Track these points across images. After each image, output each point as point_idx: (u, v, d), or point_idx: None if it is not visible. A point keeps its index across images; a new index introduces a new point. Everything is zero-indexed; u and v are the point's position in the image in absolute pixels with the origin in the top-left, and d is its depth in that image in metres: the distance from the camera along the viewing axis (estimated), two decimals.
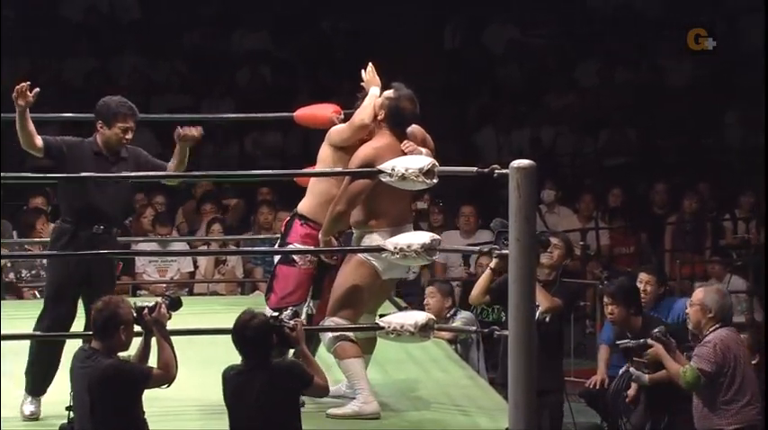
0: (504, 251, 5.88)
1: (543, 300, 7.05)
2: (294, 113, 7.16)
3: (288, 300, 6.09)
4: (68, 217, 6.07)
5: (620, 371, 7.12)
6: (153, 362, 5.39)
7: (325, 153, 6.23)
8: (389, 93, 6.16)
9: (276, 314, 5.48)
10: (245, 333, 5.29)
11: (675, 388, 6.72)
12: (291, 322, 5.42)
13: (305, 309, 6.16)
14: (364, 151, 6.06)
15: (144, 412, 5.26)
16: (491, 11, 14.46)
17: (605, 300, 7.27)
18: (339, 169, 6.19)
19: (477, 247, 6.67)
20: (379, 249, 5.97)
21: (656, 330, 6.74)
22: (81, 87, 13.25)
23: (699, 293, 6.65)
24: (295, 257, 6.12)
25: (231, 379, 5.29)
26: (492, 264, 7.31)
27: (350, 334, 6.08)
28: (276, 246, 6.31)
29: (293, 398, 5.32)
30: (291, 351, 5.54)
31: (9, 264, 9.23)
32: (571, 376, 9.35)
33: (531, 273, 5.69)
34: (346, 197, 6.03)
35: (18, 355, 6.28)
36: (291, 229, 6.17)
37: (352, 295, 6.07)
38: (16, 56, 13.20)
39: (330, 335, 6.07)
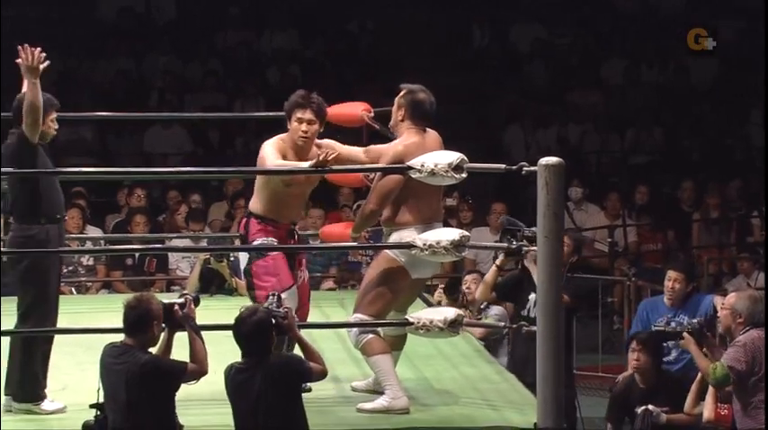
0: (533, 248, 5.95)
1: None
2: None
3: (279, 288, 6.04)
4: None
5: (639, 411, 7.03)
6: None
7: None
8: (401, 93, 6.20)
9: (266, 305, 5.50)
10: (242, 329, 5.32)
11: None
12: (282, 310, 5.45)
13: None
14: (393, 149, 6.10)
15: (176, 407, 5.31)
16: (518, 10, 14.51)
17: (633, 345, 7.19)
18: (370, 165, 6.27)
19: (506, 244, 6.71)
20: (408, 246, 5.99)
21: (694, 321, 6.77)
22: (116, 87, 13.38)
23: (731, 298, 6.60)
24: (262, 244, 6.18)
25: (232, 377, 5.32)
26: (498, 262, 7.40)
27: (377, 329, 6.11)
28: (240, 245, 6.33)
29: (293, 392, 5.34)
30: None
31: None
32: (599, 372, 9.41)
33: (560, 269, 5.73)
34: (377, 196, 6.08)
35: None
36: (251, 228, 6.23)
37: (378, 292, 6.10)
38: (52, 56, 13.32)
39: (356, 330, 6.10)
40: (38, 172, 5.99)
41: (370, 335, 6.08)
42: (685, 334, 6.79)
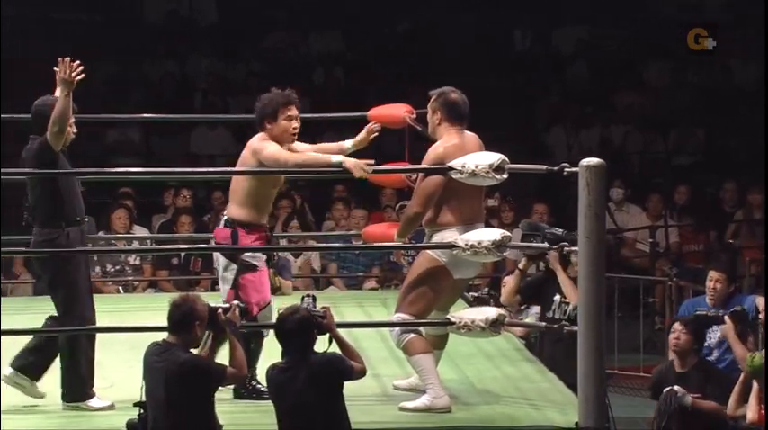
0: (574, 248, 5.99)
1: (572, 296, 7.14)
2: (367, 113, 7.31)
3: (262, 304, 6.14)
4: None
5: (664, 390, 6.98)
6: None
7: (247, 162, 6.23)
8: (432, 98, 6.24)
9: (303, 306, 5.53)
10: (285, 327, 5.36)
11: (715, 421, 6.78)
12: (321, 310, 5.49)
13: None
14: (435, 152, 6.15)
15: (215, 408, 5.33)
16: (561, 12, 14.55)
17: (676, 325, 7.15)
18: (413, 166, 6.32)
19: (548, 245, 6.75)
20: (450, 246, 6.03)
21: (736, 307, 6.77)
22: (162, 89, 13.51)
23: None
24: (254, 262, 6.15)
25: (274, 376, 5.36)
26: (520, 265, 7.43)
27: (418, 329, 6.14)
28: (223, 259, 6.21)
29: (335, 391, 5.36)
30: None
31: (95, 258, 9.49)
32: (640, 372, 9.42)
33: (601, 269, 5.75)
34: (420, 198, 6.11)
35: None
36: (241, 240, 6.16)
37: (420, 292, 6.14)
38: (100, 58, 13.53)
39: (398, 330, 6.14)
40: (56, 172, 6.04)
41: (412, 335, 6.12)
42: (727, 318, 6.79)
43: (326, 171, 6.19)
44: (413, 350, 6.11)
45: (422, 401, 6.08)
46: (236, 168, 6.28)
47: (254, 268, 6.16)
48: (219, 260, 6.26)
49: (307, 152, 6.26)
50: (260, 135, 6.25)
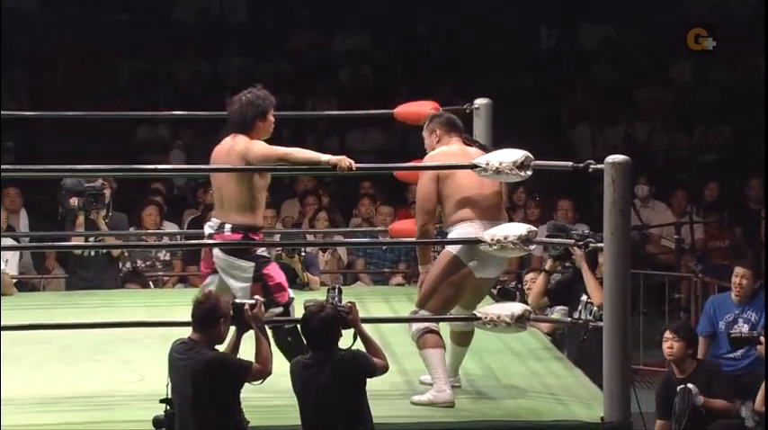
0: (599, 244, 6.04)
1: (597, 296, 7.16)
2: (394, 110, 7.37)
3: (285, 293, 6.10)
4: None
5: (678, 388, 7.04)
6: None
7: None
8: (426, 124, 6.34)
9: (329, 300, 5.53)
10: (311, 324, 5.39)
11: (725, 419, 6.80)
12: (346, 305, 5.52)
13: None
14: (431, 158, 6.23)
15: (241, 404, 5.35)
16: (586, 11, 14.58)
17: (666, 334, 7.21)
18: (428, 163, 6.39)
19: (573, 241, 6.78)
20: (476, 241, 6.05)
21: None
22: (191, 87, 13.61)
23: None
24: (266, 254, 6.10)
25: (299, 371, 5.39)
26: (546, 266, 7.46)
27: (434, 326, 6.15)
28: (231, 261, 6.05)
29: (358, 387, 5.39)
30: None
31: (126, 254, 9.58)
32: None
33: (627, 266, 5.79)
34: (420, 211, 6.17)
35: None
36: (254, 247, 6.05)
37: (437, 290, 6.15)
38: (132, 57, 13.64)
39: (416, 325, 6.16)
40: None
41: (427, 329, 6.11)
42: (762, 338, 6.80)
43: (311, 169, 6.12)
44: (424, 344, 6.13)
45: (427, 396, 6.12)
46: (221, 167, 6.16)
47: (269, 260, 6.11)
48: (228, 263, 6.06)
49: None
50: (242, 139, 6.14)
